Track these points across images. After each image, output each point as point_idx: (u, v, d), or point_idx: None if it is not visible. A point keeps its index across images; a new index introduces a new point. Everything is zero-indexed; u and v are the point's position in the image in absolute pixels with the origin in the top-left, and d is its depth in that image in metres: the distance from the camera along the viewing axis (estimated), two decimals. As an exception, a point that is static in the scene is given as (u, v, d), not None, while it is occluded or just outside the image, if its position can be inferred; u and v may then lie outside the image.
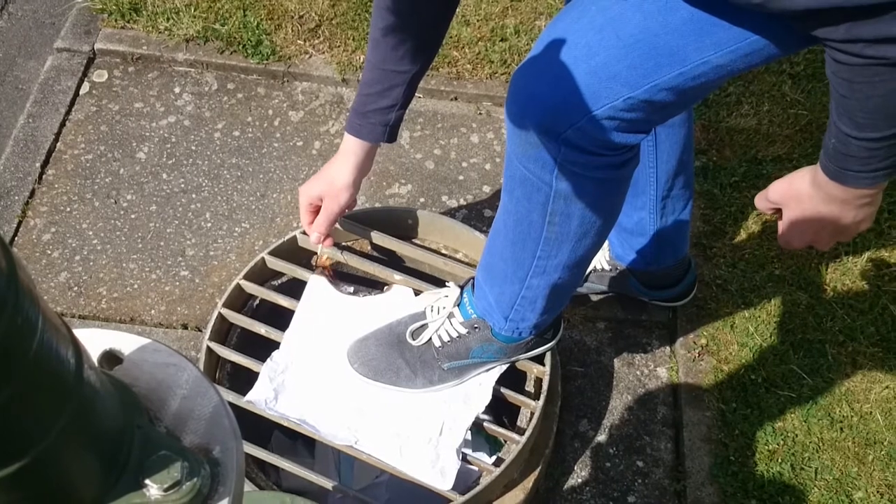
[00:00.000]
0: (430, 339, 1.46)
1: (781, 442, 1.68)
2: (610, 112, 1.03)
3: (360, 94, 1.41)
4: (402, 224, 1.65)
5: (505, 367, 1.48)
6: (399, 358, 1.47)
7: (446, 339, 1.44)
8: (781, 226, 1.12)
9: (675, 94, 1.03)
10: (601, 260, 1.77)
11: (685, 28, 0.98)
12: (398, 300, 1.57)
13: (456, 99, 2.15)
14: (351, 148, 1.45)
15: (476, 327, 1.41)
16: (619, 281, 1.79)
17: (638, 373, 1.79)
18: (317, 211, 1.53)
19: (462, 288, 1.45)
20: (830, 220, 1.04)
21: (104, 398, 0.52)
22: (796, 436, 1.69)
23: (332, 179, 1.48)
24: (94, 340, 0.60)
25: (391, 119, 1.41)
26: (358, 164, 1.46)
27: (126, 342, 0.61)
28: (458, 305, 1.44)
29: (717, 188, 1.98)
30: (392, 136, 1.44)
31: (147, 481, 0.53)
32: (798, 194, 1.06)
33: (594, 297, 1.86)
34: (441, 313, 1.45)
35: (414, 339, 1.47)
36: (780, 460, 1.66)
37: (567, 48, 1.03)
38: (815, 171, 1.02)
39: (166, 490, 0.53)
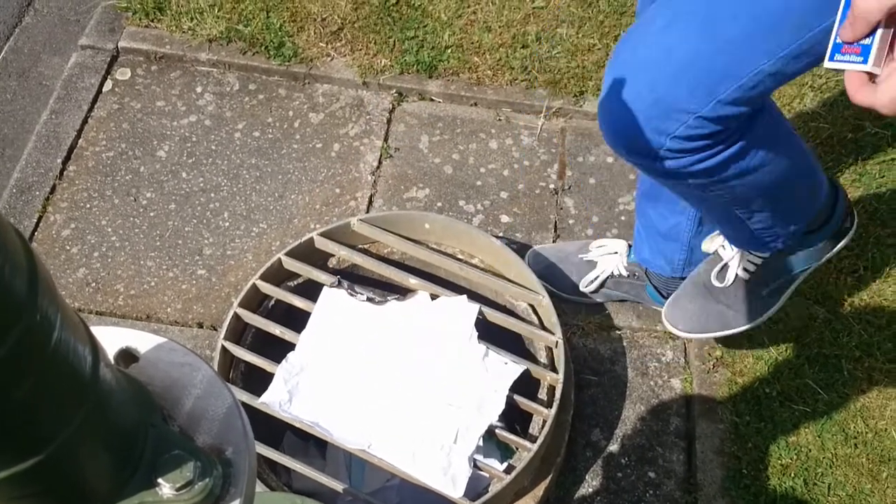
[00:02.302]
0: (737, 274, 1.53)
1: (795, 456, 1.67)
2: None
3: None
4: (418, 228, 1.65)
5: (519, 372, 1.48)
6: (717, 304, 1.55)
7: (752, 268, 1.52)
8: None
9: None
10: (619, 266, 1.78)
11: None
12: (413, 308, 1.57)
13: (476, 105, 2.16)
14: None
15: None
16: (635, 288, 1.79)
17: (652, 383, 1.79)
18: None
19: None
20: None
21: (119, 396, 0.52)
22: (810, 451, 1.68)
23: None
24: (111, 338, 0.60)
25: None
26: None
27: (142, 341, 0.62)
28: None
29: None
30: None
31: (160, 480, 0.53)
32: None
33: (609, 304, 1.86)
34: (734, 249, 1.51)
35: (721, 282, 1.54)
36: (793, 475, 1.65)
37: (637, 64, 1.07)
38: None
39: (178, 489, 0.53)
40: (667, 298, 1.74)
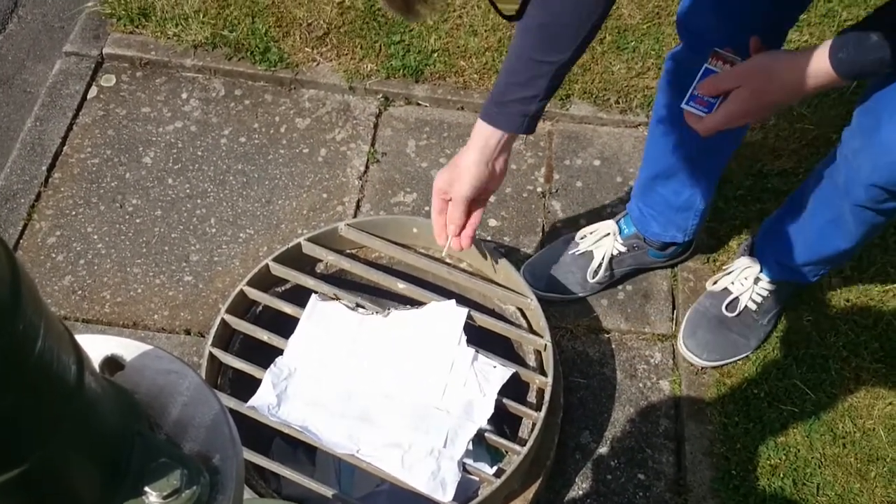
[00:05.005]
0: (746, 305, 1.76)
1: (783, 457, 1.67)
2: None
3: (502, 81, 1.31)
4: (406, 233, 1.65)
5: (508, 375, 1.48)
6: (730, 333, 1.77)
7: (759, 300, 1.75)
8: (735, 104, 1.20)
9: None
10: (616, 247, 1.83)
11: None
12: (402, 313, 1.57)
13: (462, 108, 2.16)
14: (482, 133, 1.34)
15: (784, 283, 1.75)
16: (638, 258, 1.86)
17: (640, 385, 1.79)
18: (445, 203, 1.43)
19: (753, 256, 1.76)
20: (788, 97, 1.19)
21: (105, 404, 0.52)
22: (798, 451, 1.68)
23: (457, 161, 1.38)
24: (96, 346, 0.60)
25: (532, 110, 1.31)
26: (486, 150, 1.34)
27: (128, 348, 0.61)
28: (762, 271, 1.74)
29: (721, 201, 1.98)
30: (531, 128, 1.34)
31: (147, 488, 0.53)
32: (767, 69, 1.17)
33: (597, 308, 1.86)
34: (745, 283, 1.75)
35: (732, 312, 1.76)
36: (781, 475, 1.66)
37: None
38: (793, 55, 1.16)
39: (165, 498, 0.53)
40: (663, 251, 1.84)
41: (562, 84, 1.34)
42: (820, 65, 1.10)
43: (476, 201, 1.42)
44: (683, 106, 1.22)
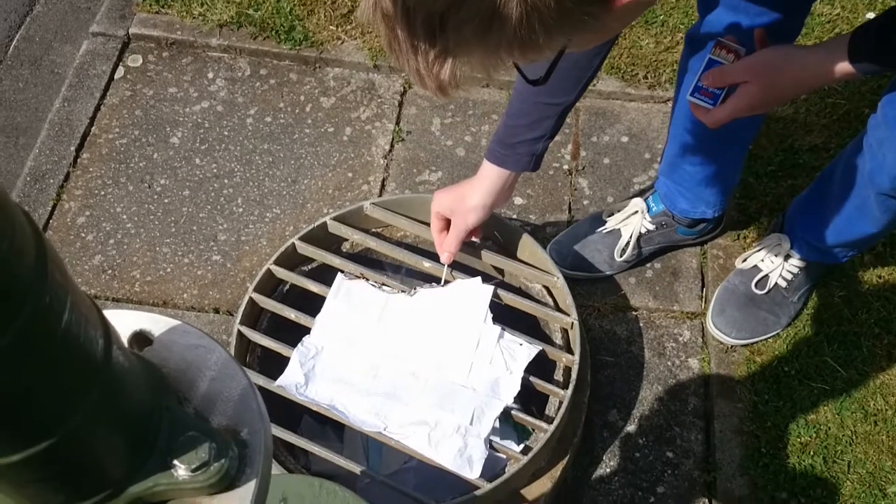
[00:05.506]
0: (776, 283, 1.74)
1: (814, 434, 1.66)
2: None
3: (507, 124, 1.36)
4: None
5: (534, 353, 1.47)
6: (759, 311, 1.74)
7: (789, 277, 1.73)
8: (743, 99, 1.17)
9: None
10: (644, 224, 1.81)
11: None
12: (427, 291, 1.56)
13: (487, 86, 2.14)
14: (490, 175, 1.41)
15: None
16: (666, 235, 1.84)
17: (669, 363, 1.78)
18: (445, 222, 1.51)
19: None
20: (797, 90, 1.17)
21: (133, 378, 0.52)
22: (829, 428, 1.66)
23: (464, 196, 1.44)
24: (125, 321, 0.60)
25: (538, 149, 1.37)
26: (494, 190, 1.42)
27: (156, 323, 0.61)
28: (793, 248, 1.72)
29: (752, 177, 1.95)
30: (537, 165, 1.41)
31: (175, 462, 0.53)
32: (777, 66, 1.14)
33: (625, 286, 1.85)
34: (776, 261, 1.73)
35: (762, 290, 1.74)
36: (812, 453, 1.64)
37: None
38: (805, 51, 1.12)
39: (194, 471, 0.53)
40: (692, 228, 1.82)
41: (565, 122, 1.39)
42: (837, 62, 1.07)
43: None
44: (689, 97, 1.20)
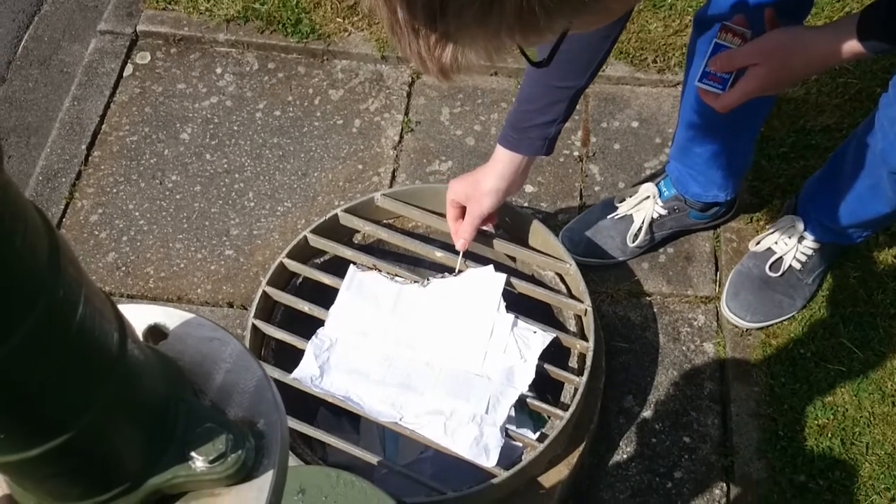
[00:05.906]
0: (790, 265, 1.74)
1: (831, 416, 1.65)
2: None
3: (519, 109, 1.36)
4: (442, 201, 1.64)
5: (548, 341, 1.47)
6: (774, 293, 1.74)
7: (803, 259, 1.73)
8: (753, 82, 1.16)
9: None
10: (656, 209, 1.80)
11: None
12: (440, 280, 1.56)
13: (496, 74, 2.14)
14: (503, 159, 1.41)
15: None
16: (679, 220, 1.83)
17: (684, 348, 1.77)
18: (461, 210, 1.51)
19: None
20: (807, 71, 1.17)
21: (149, 371, 0.53)
22: (846, 410, 1.66)
23: (478, 182, 1.45)
24: (140, 315, 0.60)
25: (551, 133, 1.37)
26: (508, 175, 1.42)
27: (171, 317, 0.62)
28: (806, 230, 1.71)
29: (764, 159, 1.94)
30: (550, 149, 1.40)
31: (193, 453, 0.53)
32: (786, 47, 1.13)
33: (638, 271, 1.84)
34: (790, 242, 1.73)
35: (776, 272, 1.73)
36: (830, 435, 1.63)
37: None
38: (814, 32, 1.12)
39: (211, 462, 0.53)
40: (705, 213, 1.81)
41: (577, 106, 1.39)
42: (846, 41, 1.06)
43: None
44: (697, 83, 1.20)
